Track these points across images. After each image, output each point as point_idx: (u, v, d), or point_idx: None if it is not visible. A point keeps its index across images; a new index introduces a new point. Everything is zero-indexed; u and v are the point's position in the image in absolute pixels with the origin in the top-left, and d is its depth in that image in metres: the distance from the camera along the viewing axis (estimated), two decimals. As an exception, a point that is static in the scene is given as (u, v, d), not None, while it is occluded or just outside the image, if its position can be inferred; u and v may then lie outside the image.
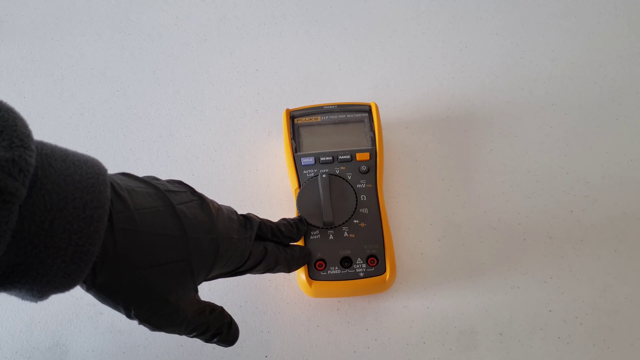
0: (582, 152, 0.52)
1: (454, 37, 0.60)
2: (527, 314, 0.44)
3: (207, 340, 0.36)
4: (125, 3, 0.64)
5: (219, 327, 0.35)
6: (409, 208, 0.49)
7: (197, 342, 0.43)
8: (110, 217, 0.27)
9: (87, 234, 0.25)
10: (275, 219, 0.42)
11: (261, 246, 0.38)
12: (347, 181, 0.45)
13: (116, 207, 0.28)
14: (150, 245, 0.29)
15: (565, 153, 0.52)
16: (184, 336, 0.34)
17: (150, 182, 0.32)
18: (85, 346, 0.44)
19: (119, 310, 0.30)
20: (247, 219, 0.38)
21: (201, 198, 0.34)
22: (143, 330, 0.44)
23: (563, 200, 0.49)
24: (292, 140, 0.49)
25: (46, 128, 0.56)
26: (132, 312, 0.30)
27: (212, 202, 0.35)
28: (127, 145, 0.54)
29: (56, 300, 0.26)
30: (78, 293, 0.27)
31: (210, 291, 0.46)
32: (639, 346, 0.42)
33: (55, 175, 0.25)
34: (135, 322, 0.31)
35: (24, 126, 0.24)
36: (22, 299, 0.26)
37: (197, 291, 0.34)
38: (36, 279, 0.25)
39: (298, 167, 0.47)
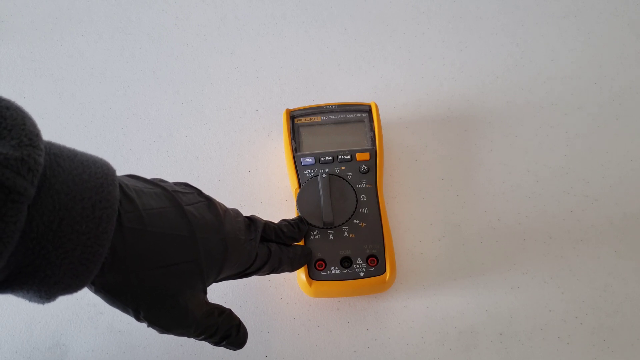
0: (582, 152, 0.52)
1: (454, 37, 0.60)
2: (527, 314, 0.44)
3: (216, 343, 0.35)
4: (125, 3, 0.64)
5: (227, 329, 0.35)
6: (409, 208, 0.49)
7: (197, 342, 0.42)
8: (119, 218, 0.27)
9: (96, 234, 0.25)
10: (275, 219, 0.42)
11: (265, 247, 0.38)
12: (347, 181, 0.45)
13: (125, 207, 0.28)
14: (159, 245, 0.29)
15: (565, 153, 0.52)
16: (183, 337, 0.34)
17: (157, 184, 0.32)
18: (85, 346, 0.44)
19: (127, 313, 0.30)
20: (252, 220, 0.38)
21: (208, 200, 0.34)
22: (143, 330, 0.44)
23: (563, 200, 0.49)
24: (292, 140, 0.48)
25: (46, 128, 0.55)
26: (142, 314, 0.29)
27: (219, 203, 0.35)
28: (127, 145, 0.54)
29: (57, 300, 0.26)
30: (78, 293, 0.27)
31: (211, 291, 0.45)
32: (639, 346, 0.42)
33: (63, 175, 0.25)
34: (135, 322, 0.31)
35: (33, 125, 0.24)
36: (30, 301, 0.25)
37: (206, 293, 0.34)
38: (44, 281, 0.24)
39: (298, 167, 0.47)
